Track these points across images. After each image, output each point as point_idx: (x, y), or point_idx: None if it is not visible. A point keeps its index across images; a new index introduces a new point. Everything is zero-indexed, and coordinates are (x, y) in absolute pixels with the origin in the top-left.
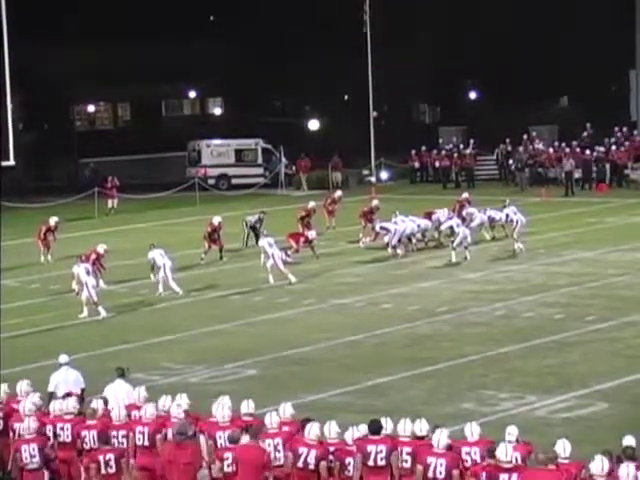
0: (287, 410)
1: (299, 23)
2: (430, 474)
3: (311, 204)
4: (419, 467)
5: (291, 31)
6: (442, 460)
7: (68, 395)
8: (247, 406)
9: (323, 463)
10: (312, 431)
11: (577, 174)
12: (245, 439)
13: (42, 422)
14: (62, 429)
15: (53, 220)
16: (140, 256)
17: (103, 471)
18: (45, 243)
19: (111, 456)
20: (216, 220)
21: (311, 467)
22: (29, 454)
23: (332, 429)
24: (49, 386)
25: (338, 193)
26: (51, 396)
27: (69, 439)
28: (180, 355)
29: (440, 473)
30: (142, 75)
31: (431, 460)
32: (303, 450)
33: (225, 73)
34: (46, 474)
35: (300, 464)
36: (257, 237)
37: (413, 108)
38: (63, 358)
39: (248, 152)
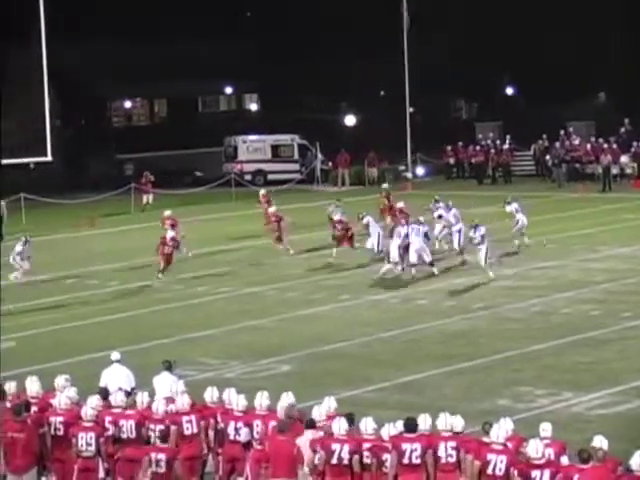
0: (332, 404)
1: (335, 18)
2: (489, 471)
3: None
4: (476, 463)
5: (327, 26)
6: (503, 457)
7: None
8: (287, 398)
9: (356, 457)
10: (342, 426)
11: (615, 170)
12: (309, 434)
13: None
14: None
15: None
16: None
17: (153, 469)
18: None
19: (162, 456)
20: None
21: (345, 462)
22: (85, 442)
23: (368, 425)
24: (100, 382)
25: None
26: (102, 392)
27: (133, 435)
28: (216, 350)
29: (500, 470)
30: (178, 71)
31: (491, 457)
32: (336, 446)
33: (261, 69)
34: (100, 463)
35: (334, 460)
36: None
37: (450, 104)
38: (115, 355)
39: (284, 148)
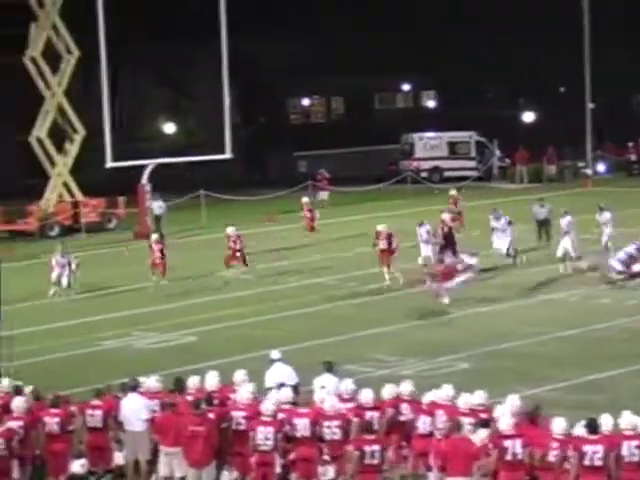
0: (515, 403)
1: (511, 14)
2: None
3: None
4: None
5: (504, 22)
6: None
7: (282, 385)
8: (479, 396)
9: (526, 450)
10: (508, 422)
11: None
12: (483, 432)
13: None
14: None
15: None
16: (351, 248)
17: (367, 461)
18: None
19: (376, 447)
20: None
21: (519, 457)
22: (264, 437)
23: (559, 425)
24: (265, 383)
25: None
26: (278, 387)
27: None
28: (393, 347)
29: None
30: (355, 68)
31: None
32: (508, 443)
33: (438, 65)
34: (277, 458)
35: (509, 456)
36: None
37: (631, 99)
38: (275, 354)
39: (461, 145)
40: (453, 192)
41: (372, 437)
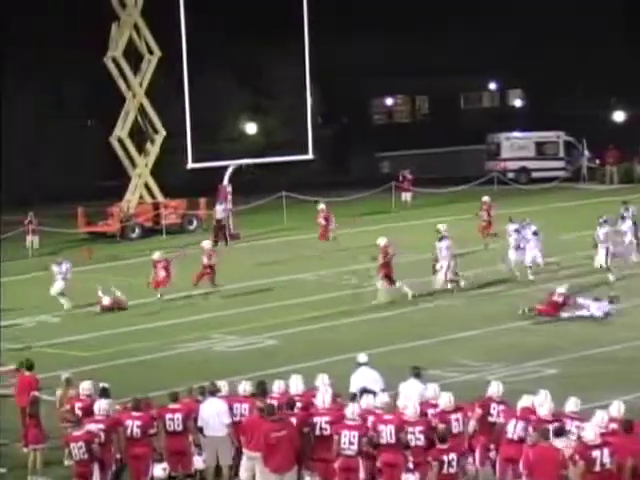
0: (621, 408)
1: (604, 13)
2: None
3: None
4: None
5: (594, 21)
6: None
7: (366, 392)
8: (574, 403)
9: (613, 459)
10: (594, 432)
11: None
12: (564, 441)
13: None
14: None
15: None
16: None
17: (445, 470)
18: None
19: (453, 456)
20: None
21: (608, 466)
22: (348, 441)
23: None
24: (351, 387)
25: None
26: (355, 397)
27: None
28: (478, 352)
29: None
30: (441, 67)
31: None
32: (597, 453)
33: (525, 64)
34: (361, 462)
35: (597, 468)
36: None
37: None
38: (362, 357)
39: (549, 145)
40: (486, 198)
41: (446, 446)
